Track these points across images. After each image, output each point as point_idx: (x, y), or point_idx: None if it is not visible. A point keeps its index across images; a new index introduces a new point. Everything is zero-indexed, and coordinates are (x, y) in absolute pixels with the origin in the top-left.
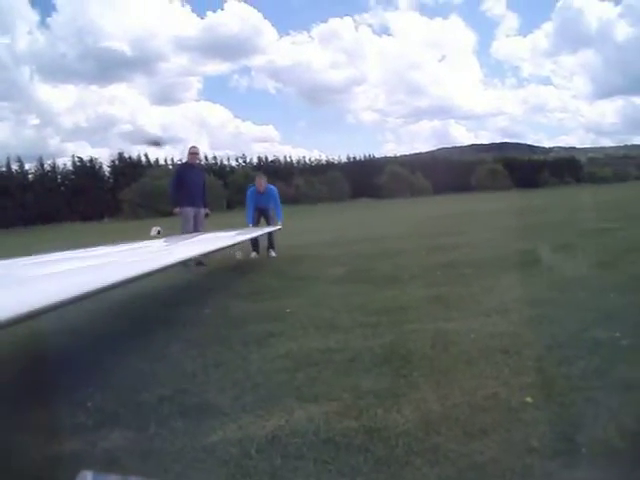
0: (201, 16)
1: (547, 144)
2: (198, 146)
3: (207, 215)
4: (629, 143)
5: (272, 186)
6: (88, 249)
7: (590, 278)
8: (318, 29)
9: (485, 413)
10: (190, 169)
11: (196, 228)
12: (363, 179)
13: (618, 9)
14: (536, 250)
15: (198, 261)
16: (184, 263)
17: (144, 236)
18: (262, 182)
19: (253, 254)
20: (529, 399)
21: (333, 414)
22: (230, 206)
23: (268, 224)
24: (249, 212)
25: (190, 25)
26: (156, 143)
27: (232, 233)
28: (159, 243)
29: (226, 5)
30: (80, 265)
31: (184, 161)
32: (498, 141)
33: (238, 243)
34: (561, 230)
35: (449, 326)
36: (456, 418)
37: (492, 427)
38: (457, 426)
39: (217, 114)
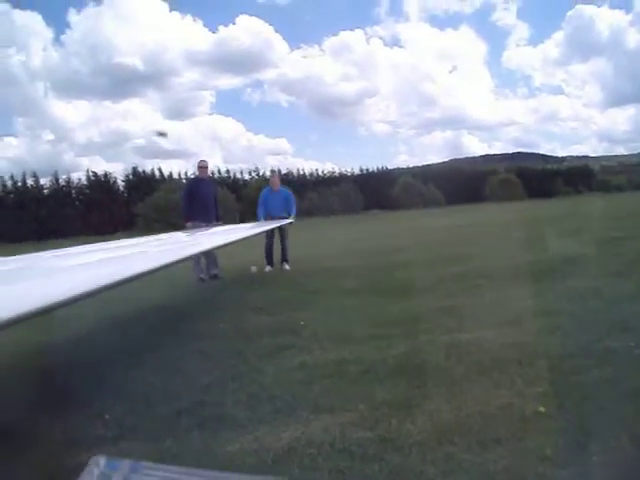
0: (213, 31)
1: (560, 153)
2: (207, 159)
3: None
4: None
5: (285, 188)
6: (113, 242)
7: (603, 288)
8: (329, 42)
9: (498, 423)
10: (201, 183)
11: None
12: (376, 191)
13: (629, 17)
14: (549, 260)
15: (213, 274)
16: (199, 270)
17: None
18: (276, 180)
19: (267, 268)
20: (542, 409)
21: (348, 425)
22: (243, 219)
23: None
24: (260, 210)
25: (202, 40)
26: (162, 134)
27: (247, 226)
28: (181, 235)
29: (237, 20)
30: (110, 255)
31: (195, 175)
32: (511, 151)
33: (254, 234)
34: (574, 240)
35: (462, 337)
36: (470, 428)
37: (505, 436)
38: (471, 436)
39: (230, 128)
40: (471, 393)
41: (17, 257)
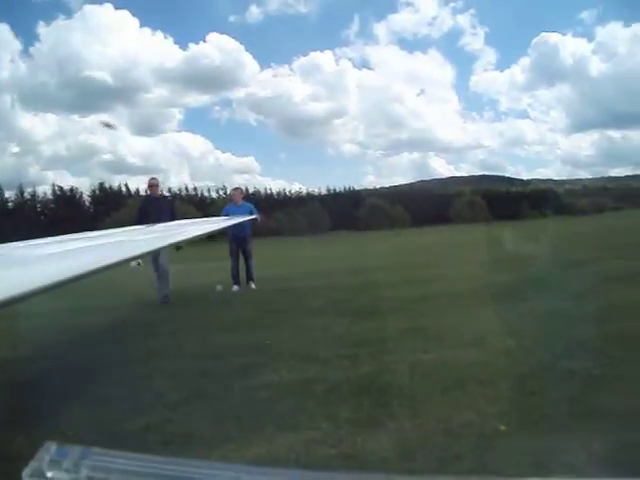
0: (183, 48)
1: (525, 176)
2: (158, 177)
3: (179, 248)
4: (605, 175)
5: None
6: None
7: (565, 309)
8: (299, 62)
9: (459, 440)
10: (153, 202)
11: (161, 261)
12: (343, 211)
13: (592, 45)
14: (512, 282)
15: (165, 295)
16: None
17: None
18: (238, 194)
19: (235, 287)
20: (502, 427)
21: (313, 442)
22: (211, 237)
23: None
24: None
25: (172, 56)
26: (109, 125)
27: (211, 219)
28: (144, 229)
29: (208, 37)
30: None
31: (146, 194)
32: (477, 173)
33: (219, 229)
34: (537, 262)
35: (426, 357)
36: (431, 445)
37: (466, 453)
38: (433, 452)
39: (198, 145)
40: (434, 412)
41: None
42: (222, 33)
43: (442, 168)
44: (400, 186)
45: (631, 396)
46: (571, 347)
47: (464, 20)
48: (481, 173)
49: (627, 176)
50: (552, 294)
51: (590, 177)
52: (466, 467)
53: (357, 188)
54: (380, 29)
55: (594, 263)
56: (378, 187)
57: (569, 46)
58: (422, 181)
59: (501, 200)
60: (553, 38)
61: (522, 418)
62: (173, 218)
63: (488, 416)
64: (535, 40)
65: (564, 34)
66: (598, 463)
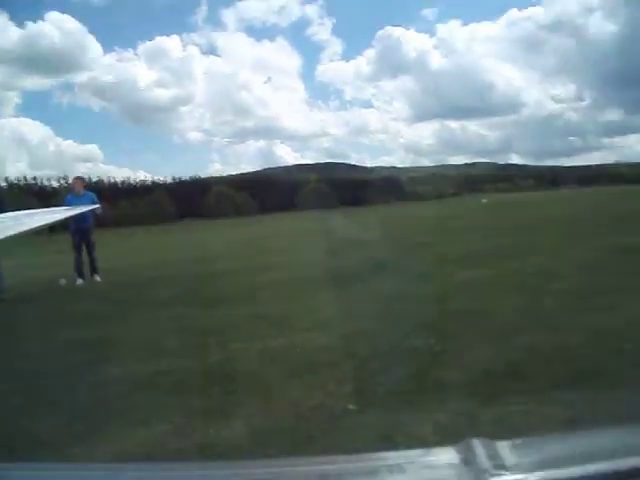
0: (20, 26)
1: (369, 164)
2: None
3: None
4: (445, 163)
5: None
6: None
7: (408, 290)
8: (144, 46)
9: (311, 422)
10: None
11: None
12: (189, 200)
13: (433, 41)
14: (356, 267)
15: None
16: None
17: None
18: (79, 183)
19: (79, 281)
20: (351, 406)
21: (166, 435)
22: (53, 229)
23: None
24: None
25: (7, 35)
26: None
27: (51, 209)
28: None
29: (47, 16)
30: None
31: None
32: (323, 161)
33: (59, 220)
34: (380, 246)
35: (275, 343)
36: (284, 429)
37: (318, 434)
38: (285, 436)
39: (37, 132)
40: (284, 396)
41: None
42: (63, 12)
43: (288, 156)
44: (247, 174)
45: (468, 368)
46: (415, 326)
47: (312, 10)
48: (326, 160)
49: (465, 164)
50: (394, 277)
51: (431, 165)
52: (318, 447)
53: (203, 176)
54: (228, 16)
55: (433, 246)
56: (225, 175)
57: (411, 40)
58: (268, 169)
59: (346, 187)
60: (397, 32)
61: (370, 396)
62: (2, 209)
63: (337, 397)
64: (380, 33)
65: (407, 29)
66: (442, 432)
